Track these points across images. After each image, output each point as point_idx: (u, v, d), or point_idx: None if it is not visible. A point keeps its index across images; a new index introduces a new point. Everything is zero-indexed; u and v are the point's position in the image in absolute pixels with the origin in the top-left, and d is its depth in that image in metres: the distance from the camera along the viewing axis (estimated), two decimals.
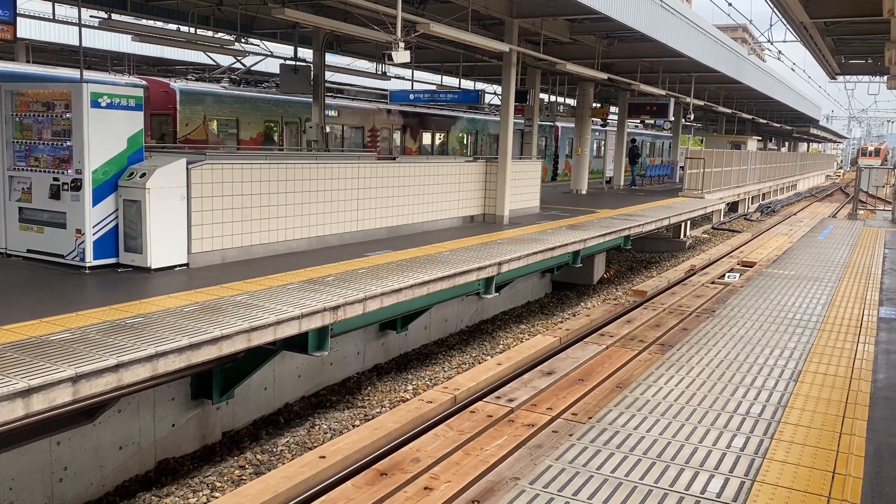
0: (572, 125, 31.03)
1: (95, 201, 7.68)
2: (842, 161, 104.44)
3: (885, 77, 19.06)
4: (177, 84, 15.88)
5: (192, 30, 14.59)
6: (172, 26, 14.81)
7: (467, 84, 24.60)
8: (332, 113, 19.53)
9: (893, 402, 5.37)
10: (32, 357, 4.90)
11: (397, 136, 22.90)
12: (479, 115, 27.88)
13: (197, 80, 17.99)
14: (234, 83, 18.31)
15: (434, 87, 22.61)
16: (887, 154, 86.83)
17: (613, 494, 3.84)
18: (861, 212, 26.31)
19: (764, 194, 35.29)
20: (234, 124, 17.03)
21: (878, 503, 3.84)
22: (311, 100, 18.32)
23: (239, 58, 18.72)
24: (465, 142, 26.90)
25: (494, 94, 26.90)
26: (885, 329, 7.58)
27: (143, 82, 15.36)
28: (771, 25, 24.62)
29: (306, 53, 17.78)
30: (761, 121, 39.13)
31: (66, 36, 21.53)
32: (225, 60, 21.24)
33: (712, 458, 4.31)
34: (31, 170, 8.01)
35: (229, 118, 16.87)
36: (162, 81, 15.95)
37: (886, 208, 30.13)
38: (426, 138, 24.61)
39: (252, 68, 20.56)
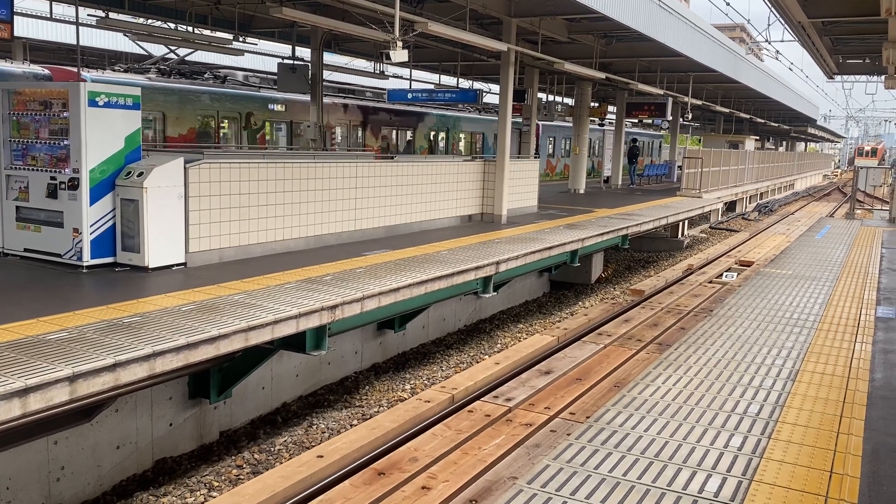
0: (554, 123, 29.82)
1: (93, 200, 7.67)
2: (839, 160, 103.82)
3: (883, 77, 19.08)
4: (89, 74, 14.13)
5: (190, 29, 14.57)
6: (170, 25, 14.78)
7: (465, 83, 24.57)
8: (277, 107, 17.69)
9: (891, 402, 5.38)
10: (29, 356, 4.89)
11: (356, 133, 20.90)
12: (450, 111, 25.37)
13: (125, 70, 15.89)
14: (164, 74, 16.16)
15: (432, 87, 22.59)
16: (885, 154, 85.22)
17: (611, 494, 3.84)
18: (858, 211, 26.35)
19: (762, 194, 35.31)
20: (160, 119, 15.22)
21: (875, 502, 3.85)
22: (254, 93, 17.21)
23: (173, 48, 16.63)
24: (434, 140, 24.43)
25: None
26: (883, 328, 7.59)
27: (46, 71, 13.69)
28: (769, 25, 24.73)
29: (299, 53, 17.75)
30: (759, 120, 39.17)
31: (63, 35, 21.47)
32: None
33: (710, 458, 4.31)
34: (29, 169, 8.00)
35: (152, 112, 14.96)
36: (70, 71, 13.99)
37: (884, 208, 30.18)
38: (390, 136, 22.49)
39: (187, 58, 17.90)
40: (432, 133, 24.38)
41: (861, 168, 43.65)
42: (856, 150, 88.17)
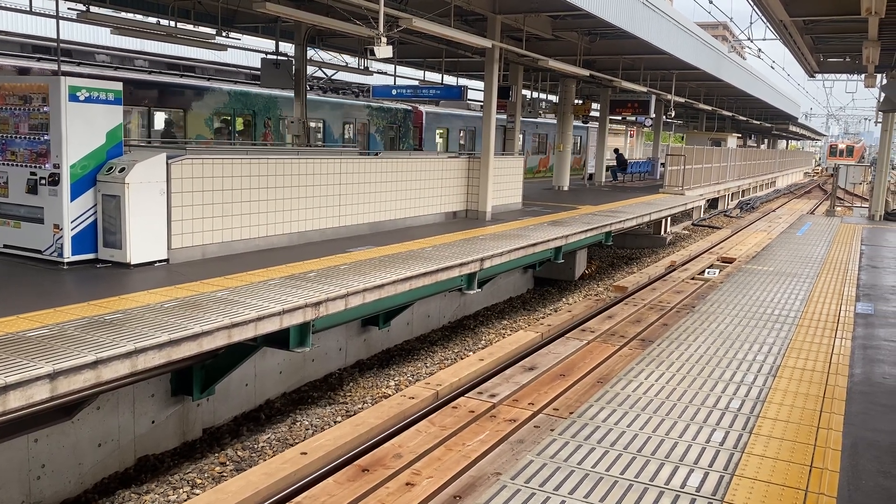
0: (446, 111, 24.73)
1: (74, 196, 7.59)
2: (820, 158, 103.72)
3: (863, 75, 19.29)
4: None
5: (173, 23, 14.44)
6: (152, 20, 14.63)
7: (450, 80, 24.54)
8: None
9: (870, 397, 5.44)
10: (9, 354, 4.84)
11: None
12: (257, 87, 18.10)
13: None
14: None
15: (417, 83, 22.54)
16: (864, 152, 77.87)
17: (594, 489, 3.86)
18: (839, 208, 26.63)
19: (743, 191, 35.60)
20: None
21: (854, 496, 3.90)
22: None
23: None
24: (227, 127, 17.42)
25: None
26: (862, 324, 7.68)
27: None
28: (751, 23, 24.83)
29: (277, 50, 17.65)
30: (741, 118, 39.47)
31: (44, 29, 21.20)
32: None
33: (692, 453, 4.35)
34: (8, 164, 7.90)
35: None
36: None
37: (863, 205, 30.52)
38: (128, 118, 14.69)
39: None
40: (223, 118, 17.33)
41: (841, 166, 43.84)
42: (828, 147, 75.93)
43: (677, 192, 22.62)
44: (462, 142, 26.06)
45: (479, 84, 25.84)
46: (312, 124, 19.33)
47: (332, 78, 23.00)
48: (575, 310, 11.83)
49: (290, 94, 18.31)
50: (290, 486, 5.56)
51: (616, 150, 29.63)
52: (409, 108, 23.59)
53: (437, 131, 24.72)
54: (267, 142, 18.10)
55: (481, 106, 26.27)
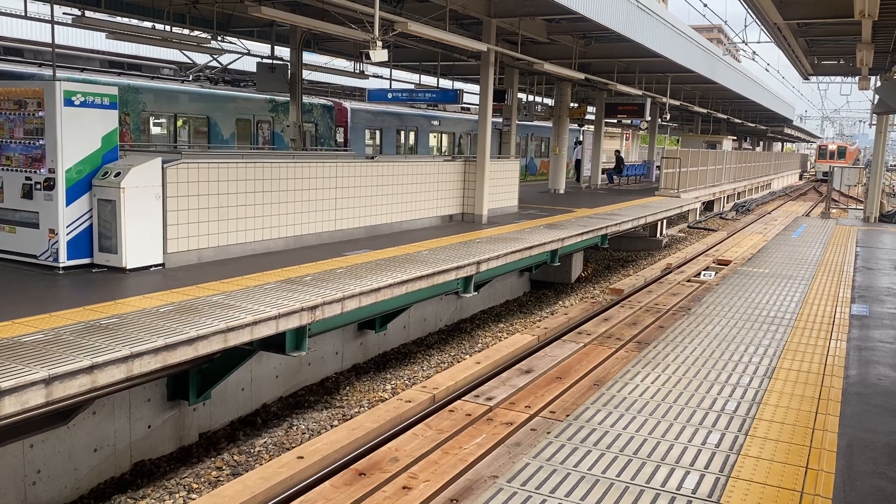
0: (379, 108, 21.93)
1: (69, 201, 7.58)
2: (815, 160, 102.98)
3: (857, 78, 19.37)
4: None
5: (168, 28, 14.44)
6: (147, 24, 14.64)
7: (445, 83, 24.55)
8: None
9: (865, 398, 5.46)
10: (4, 359, 4.83)
11: None
12: (112, 76, 15.56)
13: None
14: None
15: (413, 86, 22.55)
16: (858, 155, 73.61)
17: (590, 491, 3.86)
18: (834, 210, 26.70)
19: (739, 193, 35.68)
20: None
21: (849, 497, 3.91)
22: None
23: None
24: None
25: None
26: (857, 326, 7.70)
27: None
28: (745, 26, 24.93)
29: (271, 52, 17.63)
30: (736, 120, 39.55)
31: (38, 33, 21.16)
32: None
33: (688, 455, 4.36)
34: (3, 169, 7.89)
35: None
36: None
37: (858, 207, 30.59)
38: None
39: None
40: None
41: (835, 168, 43.65)
42: (817, 149, 67.16)
43: (673, 194, 22.66)
44: (399, 144, 22.77)
45: (475, 87, 25.82)
46: (171, 121, 15.86)
47: (229, 67, 19.21)
48: (571, 312, 11.84)
49: (160, 84, 16.14)
50: (286, 490, 5.55)
51: (617, 152, 29.80)
52: (330, 103, 20.26)
53: (368, 132, 21.41)
54: (124, 143, 13.63)
55: (424, 103, 24.74)
